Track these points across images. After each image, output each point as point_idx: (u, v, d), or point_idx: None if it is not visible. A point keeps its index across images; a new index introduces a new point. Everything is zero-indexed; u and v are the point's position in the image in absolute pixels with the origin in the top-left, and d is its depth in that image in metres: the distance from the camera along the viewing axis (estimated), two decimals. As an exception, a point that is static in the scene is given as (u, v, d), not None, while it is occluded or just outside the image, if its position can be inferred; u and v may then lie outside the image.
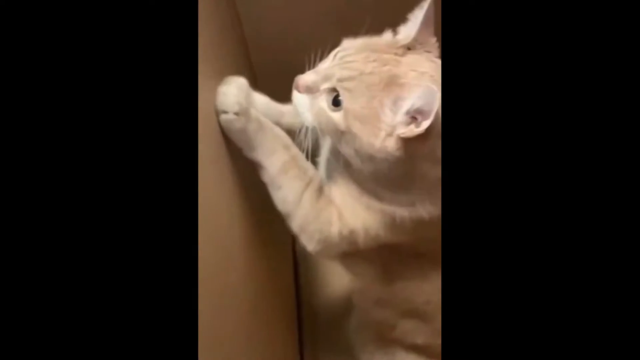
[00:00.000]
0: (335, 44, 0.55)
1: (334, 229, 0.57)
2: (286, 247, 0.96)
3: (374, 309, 0.73)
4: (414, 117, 0.48)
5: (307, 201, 0.57)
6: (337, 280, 0.96)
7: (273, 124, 0.58)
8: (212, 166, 0.50)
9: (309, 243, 0.59)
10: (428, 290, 0.65)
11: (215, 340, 0.46)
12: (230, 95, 0.53)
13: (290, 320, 0.90)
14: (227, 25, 0.73)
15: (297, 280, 1.00)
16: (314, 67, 0.56)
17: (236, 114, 0.53)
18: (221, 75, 0.56)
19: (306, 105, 0.55)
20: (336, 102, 0.52)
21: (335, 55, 0.55)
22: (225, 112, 0.53)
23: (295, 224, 0.58)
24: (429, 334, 0.70)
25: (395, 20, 0.56)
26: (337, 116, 0.52)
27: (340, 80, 0.52)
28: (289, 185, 0.57)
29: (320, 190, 0.59)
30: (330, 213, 0.58)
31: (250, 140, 0.56)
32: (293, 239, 1.01)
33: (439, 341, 0.67)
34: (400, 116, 0.49)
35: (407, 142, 0.49)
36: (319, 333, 0.95)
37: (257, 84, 0.84)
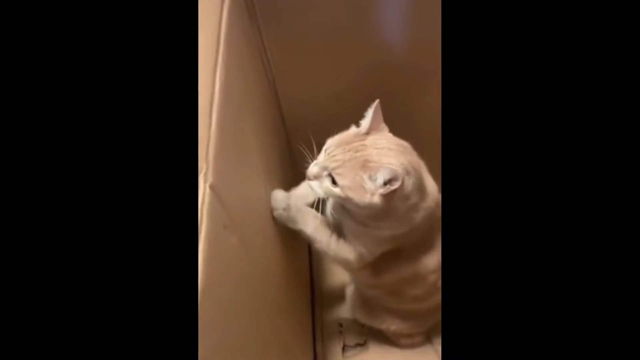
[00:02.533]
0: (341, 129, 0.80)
1: (351, 256, 0.84)
2: (304, 250, 1.28)
3: (368, 290, 1.03)
4: (386, 183, 0.70)
5: (332, 246, 0.84)
6: (336, 269, 1.30)
7: (305, 204, 0.84)
8: (261, 213, 0.77)
9: (341, 266, 0.89)
10: (401, 275, 0.91)
11: (263, 300, 0.69)
12: (278, 199, 0.81)
13: (306, 293, 1.21)
14: (273, 113, 1.01)
15: (310, 269, 1.32)
16: (316, 151, 0.80)
17: (283, 209, 0.80)
18: (269, 153, 0.84)
19: (317, 185, 0.77)
20: (334, 181, 0.74)
21: (325, 151, 0.77)
22: (276, 209, 0.80)
23: (330, 259, 0.87)
24: (399, 302, 0.99)
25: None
26: (337, 190, 0.73)
27: (332, 169, 0.73)
28: (320, 239, 0.84)
29: (338, 236, 0.85)
30: (347, 248, 0.84)
31: (294, 220, 0.82)
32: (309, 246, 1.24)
33: (404, 306, 0.99)
34: (379, 185, 0.70)
35: (386, 196, 0.71)
36: (324, 301, 1.28)
37: (292, 154, 1.12)
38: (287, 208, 0.81)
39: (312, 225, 0.83)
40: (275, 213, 0.81)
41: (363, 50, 0.99)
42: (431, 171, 0.84)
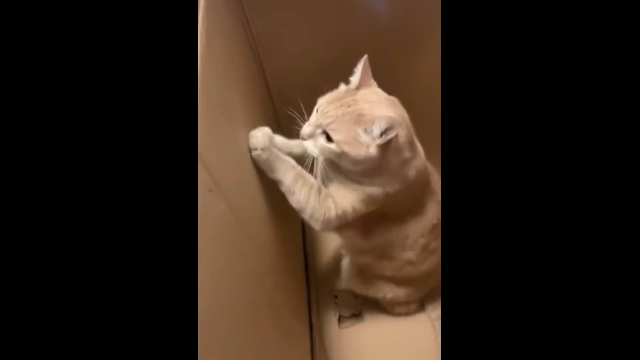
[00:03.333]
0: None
1: (332, 212, 0.80)
2: (297, 223, 1.29)
3: (358, 257, 1.03)
4: (382, 133, 0.70)
5: (313, 199, 0.79)
6: (329, 242, 1.33)
7: (286, 154, 0.80)
8: (250, 180, 0.75)
9: (316, 225, 0.81)
10: (390, 238, 0.91)
11: (256, 269, 0.69)
12: (258, 137, 0.75)
13: (300, 265, 1.23)
14: (258, 82, 0.98)
15: (304, 241, 1.34)
16: (307, 114, 0.79)
17: (262, 149, 0.75)
18: (254, 120, 0.80)
19: (311, 145, 0.77)
20: (329, 138, 0.74)
21: (317, 110, 0.78)
22: (255, 149, 0.75)
23: (306, 215, 0.80)
24: (393, 269, 0.99)
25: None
26: (333, 146, 0.74)
27: (326, 125, 0.74)
28: (299, 190, 0.78)
29: (319, 191, 0.80)
30: (329, 203, 0.80)
31: (271, 166, 0.77)
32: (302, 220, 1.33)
33: (399, 273, 0.99)
34: (376, 136, 0.71)
35: (382, 147, 0.72)
36: (318, 274, 1.30)
37: (279, 123, 1.10)
38: (266, 149, 0.76)
39: (291, 175, 0.79)
40: (253, 153, 0.76)
41: (350, 17, 0.98)
42: (419, 137, 0.84)
